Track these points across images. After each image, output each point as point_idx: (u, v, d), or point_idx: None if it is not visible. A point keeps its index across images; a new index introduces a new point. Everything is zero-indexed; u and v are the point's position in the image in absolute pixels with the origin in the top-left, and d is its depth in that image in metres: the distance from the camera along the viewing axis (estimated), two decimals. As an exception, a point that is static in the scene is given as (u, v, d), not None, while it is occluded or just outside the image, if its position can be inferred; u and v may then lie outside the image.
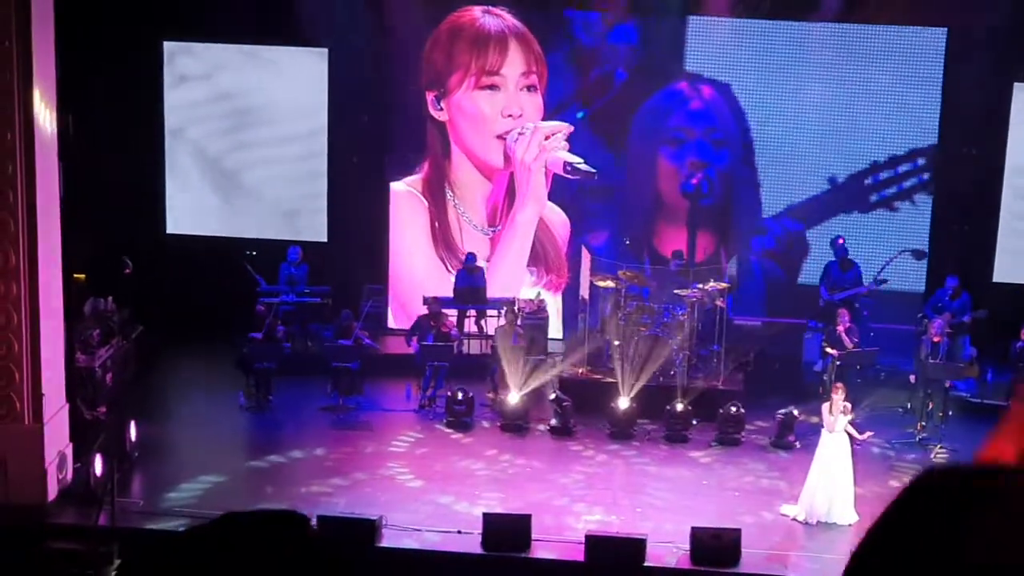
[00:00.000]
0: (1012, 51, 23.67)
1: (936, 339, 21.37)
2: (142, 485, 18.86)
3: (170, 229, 25.94)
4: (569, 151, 24.67)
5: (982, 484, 2.08)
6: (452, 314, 23.61)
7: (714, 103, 25.28)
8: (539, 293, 24.61)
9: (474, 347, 23.65)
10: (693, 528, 16.84)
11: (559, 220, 25.51)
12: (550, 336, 23.85)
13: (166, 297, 23.76)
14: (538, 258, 25.45)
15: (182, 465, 19.73)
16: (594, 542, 16.49)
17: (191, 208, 25.96)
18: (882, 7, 24.05)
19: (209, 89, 25.62)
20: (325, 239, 25.47)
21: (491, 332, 23.33)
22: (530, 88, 25.27)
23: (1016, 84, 24.14)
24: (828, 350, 21.83)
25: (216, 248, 25.22)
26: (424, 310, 23.18)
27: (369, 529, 16.66)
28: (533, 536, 16.93)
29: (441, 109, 25.28)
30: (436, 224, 25.55)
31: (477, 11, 25.13)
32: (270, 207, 25.73)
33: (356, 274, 24.80)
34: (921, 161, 24.90)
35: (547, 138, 24.83)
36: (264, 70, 25.48)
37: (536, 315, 23.47)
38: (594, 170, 24.42)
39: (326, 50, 25.17)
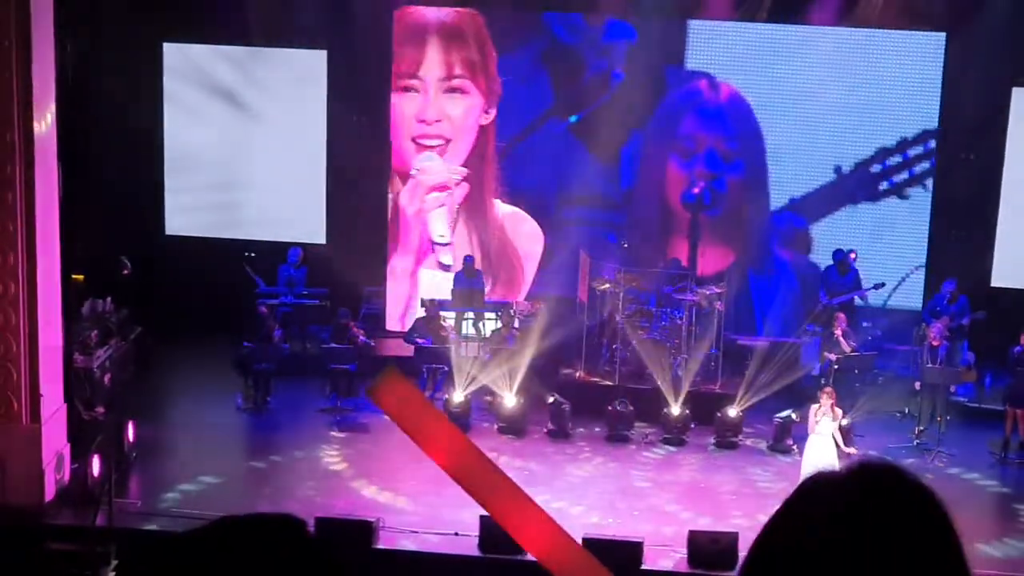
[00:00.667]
0: (1011, 55, 23.69)
1: (935, 343, 21.37)
2: (140, 486, 18.88)
3: (168, 230, 25.93)
4: (450, 217, 25.02)
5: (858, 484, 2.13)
6: (450, 316, 23.65)
7: (732, 104, 25.02)
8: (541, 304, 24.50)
9: (471, 350, 23.61)
10: (690, 531, 16.86)
11: (527, 232, 25.38)
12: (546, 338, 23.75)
13: (164, 298, 23.75)
14: (490, 267, 25.29)
15: (180, 466, 19.75)
16: (591, 545, 16.46)
17: (190, 209, 25.94)
18: (881, 11, 23.99)
19: (208, 90, 25.60)
20: (323, 241, 25.45)
21: (488, 335, 23.38)
22: (455, 91, 25.09)
23: (1015, 88, 24.14)
24: (826, 354, 21.82)
25: (215, 249, 25.22)
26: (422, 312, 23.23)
27: (366, 531, 16.67)
28: (530, 539, 16.90)
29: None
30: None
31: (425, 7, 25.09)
32: (269, 208, 25.70)
33: (354, 276, 24.73)
34: (931, 143, 24.68)
35: (429, 192, 24.85)
36: (263, 72, 25.47)
37: (532, 318, 23.43)
38: (451, 264, 24.69)
39: (325, 52, 25.16)
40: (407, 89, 25.02)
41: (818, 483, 2.17)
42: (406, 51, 24.93)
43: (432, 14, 24.92)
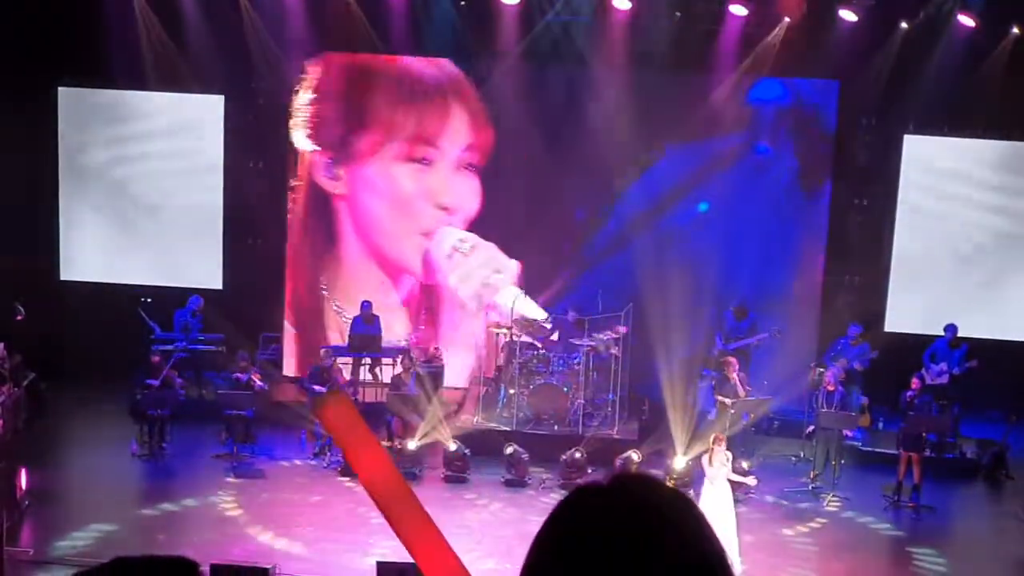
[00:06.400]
0: (900, 105, 24.08)
1: (830, 388, 21.56)
2: (32, 534, 18.62)
3: (63, 276, 25.69)
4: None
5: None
6: (347, 363, 23.57)
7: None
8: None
9: (369, 395, 23.58)
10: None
11: None
12: (445, 384, 23.66)
13: (58, 344, 23.52)
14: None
15: (73, 513, 19.53)
16: (487, 590, 16.49)
17: (85, 255, 25.71)
18: (775, 60, 24.18)
19: (103, 135, 25.42)
20: (220, 286, 25.28)
21: (387, 380, 23.28)
22: (469, 167, 24.45)
23: (906, 136, 24.51)
24: (721, 399, 21.87)
25: (109, 295, 25.03)
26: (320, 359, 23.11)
27: (261, 578, 16.55)
28: (426, 585, 16.87)
29: (337, 178, 24.87)
30: None
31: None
32: (165, 254, 25.52)
33: (252, 321, 24.58)
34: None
35: (496, 272, 24.46)
36: (160, 116, 25.33)
37: (431, 363, 23.39)
38: (554, 335, 23.54)
39: (222, 96, 25.05)
40: (421, 160, 24.41)
41: (580, 493, 2.22)
42: (425, 112, 24.29)
43: (429, 67, 24.40)
